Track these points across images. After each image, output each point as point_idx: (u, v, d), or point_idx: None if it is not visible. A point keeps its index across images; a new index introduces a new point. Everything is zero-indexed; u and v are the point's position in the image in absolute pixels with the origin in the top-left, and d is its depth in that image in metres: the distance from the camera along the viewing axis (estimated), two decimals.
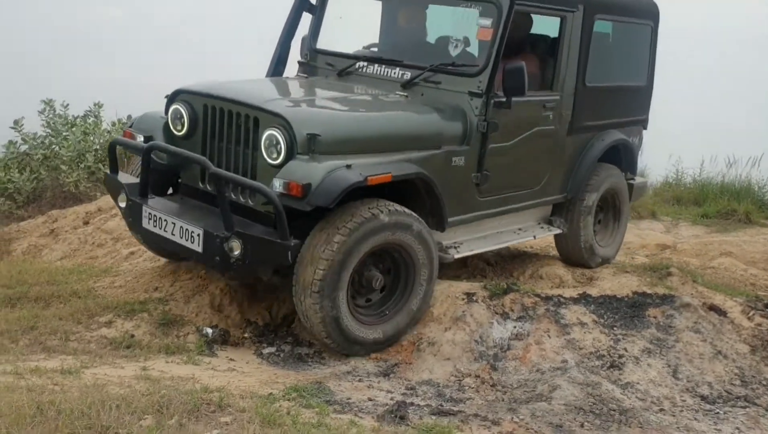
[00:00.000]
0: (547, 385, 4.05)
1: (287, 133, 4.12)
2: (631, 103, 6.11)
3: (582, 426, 3.71)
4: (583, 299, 4.77)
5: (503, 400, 4.01)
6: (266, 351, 4.57)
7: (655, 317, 4.62)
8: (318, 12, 5.61)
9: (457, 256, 4.95)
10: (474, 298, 4.69)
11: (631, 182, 6.31)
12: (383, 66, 5.12)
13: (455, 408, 3.84)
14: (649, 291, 4.84)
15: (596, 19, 5.44)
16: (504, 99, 4.76)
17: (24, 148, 8.97)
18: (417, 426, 3.44)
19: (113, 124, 9.39)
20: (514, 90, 4.71)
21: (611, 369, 4.27)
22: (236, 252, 4.09)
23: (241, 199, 4.37)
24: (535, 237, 5.61)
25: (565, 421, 3.72)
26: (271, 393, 3.67)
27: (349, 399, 3.84)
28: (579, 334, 4.48)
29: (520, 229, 5.53)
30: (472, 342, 4.47)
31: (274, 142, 4.16)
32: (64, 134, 8.99)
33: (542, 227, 5.71)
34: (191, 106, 4.62)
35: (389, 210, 4.27)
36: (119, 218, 6.42)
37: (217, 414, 3.28)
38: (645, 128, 6.40)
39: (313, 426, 3.23)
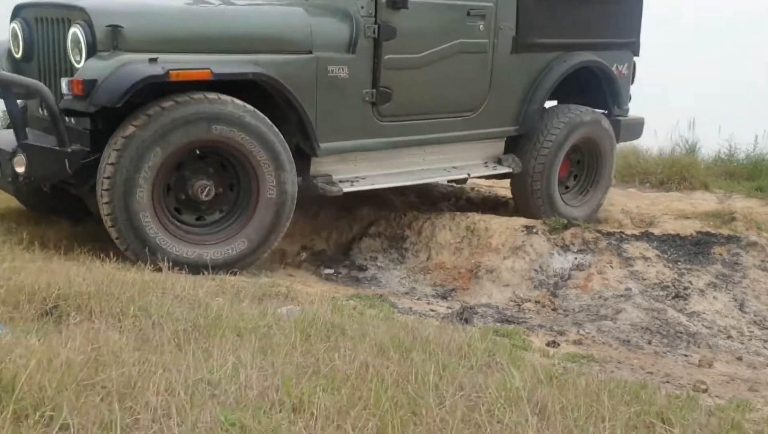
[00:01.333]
0: (611, 309, 3.98)
1: (88, 27, 3.53)
2: (610, 21, 5.27)
3: (650, 343, 3.63)
4: (646, 236, 4.68)
5: (566, 319, 3.95)
6: (324, 271, 4.56)
7: (720, 255, 4.52)
8: None
9: (348, 190, 4.23)
10: (534, 231, 4.63)
11: (618, 118, 5.43)
12: None
13: (519, 320, 3.79)
14: (713, 231, 4.74)
15: None
16: None
17: None
18: (483, 329, 3.40)
19: None
20: None
21: (676, 299, 4.18)
22: (20, 168, 3.49)
23: (41, 111, 3.83)
24: (469, 175, 4.86)
25: (632, 337, 3.65)
26: (334, 297, 3.66)
27: (411, 308, 3.81)
28: (642, 267, 4.39)
29: (454, 167, 4.74)
30: (532, 270, 4.41)
31: (76, 39, 3.58)
32: None
33: (486, 165, 4.90)
34: (27, 23, 4.02)
35: (203, 98, 3.55)
36: None
37: (285, 302, 3.28)
38: (636, 54, 5.50)
39: (380, 320, 3.21)
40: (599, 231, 4.68)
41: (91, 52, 3.52)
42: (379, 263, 4.67)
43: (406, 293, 4.29)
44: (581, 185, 5.45)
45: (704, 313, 4.10)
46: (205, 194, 3.72)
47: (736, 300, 4.26)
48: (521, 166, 4.95)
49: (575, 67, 4.99)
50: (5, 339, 1.87)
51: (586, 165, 5.41)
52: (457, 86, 4.53)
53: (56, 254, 3.62)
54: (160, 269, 3.35)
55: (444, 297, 4.29)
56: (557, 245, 4.55)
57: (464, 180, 5.31)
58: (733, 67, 10.27)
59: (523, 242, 4.53)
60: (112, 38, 3.50)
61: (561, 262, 4.46)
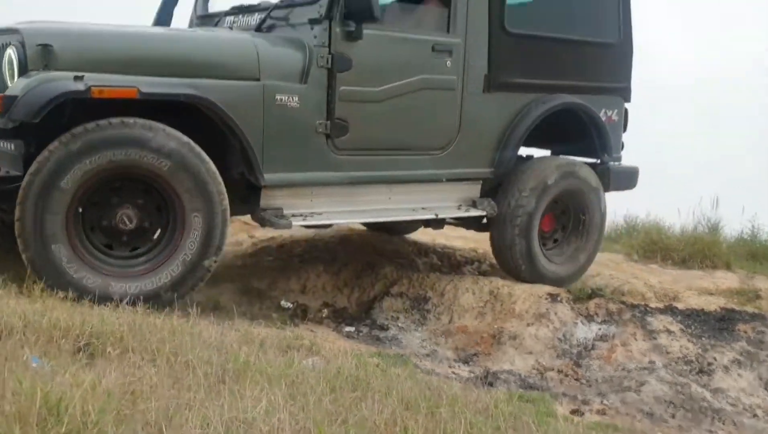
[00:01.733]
0: (635, 381, 3.93)
1: (21, 48, 3.46)
2: (596, 64, 5.09)
3: (673, 416, 3.59)
4: (670, 310, 4.66)
5: (590, 389, 3.91)
6: (345, 329, 4.56)
7: (745, 332, 4.48)
8: None
9: (299, 224, 4.09)
10: (558, 299, 4.62)
11: (606, 166, 5.19)
12: (244, 14, 4.49)
13: (542, 387, 3.76)
14: (737, 308, 4.71)
15: None
16: (353, 27, 3.94)
17: None
18: (508, 392, 3.37)
19: None
20: (359, 13, 3.89)
21: (700, 374, 4.13)
22: None
23: None
24: (437, 215, 4.58)
25: (656, 410, 3.60)
26: (357, 353, 3.66)
27: (433, 370, 3.80)
28: (666, 340, 4.36)
29: (423, 207, 4.52)
30: (555, 339, 4.39)
31: (10, 60, 3.53)
32: None
33: (459, 208, 4.67)
34: None
35: (117, 123, 3.41)
36: None
37: (310, 354, 3.29)
38: (627, 100, 5.29)
39: (405, 377, 3.20)
40: (623, 303, 4.67)
41: (23, 71, 3.44)
42: (400, 324, 4.66)
43: (427, 355, 4.27)
44: (567, 240, 5.21)
45: (729, 390, 4.04)
46: (128, 222, 3.58)
47: (761, 379, 4.20)
48: (497, 210, 4.75)
49: (554, 110, 4.79)
50: (44, 370, 1.90)
51: (571, 218, 5.18)
52: (421, 123, 4.40)
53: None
54: (187, 315, 3.38)
55: (466, 362, 4.26)
56: (581, 315, 4.53)
57: (441, 224, 5.02)
58: (757, 146, 10.34)
59: (546, 309, 4.52)
60: (42, 58, 3.42)
61: (585, 332, 4.44)
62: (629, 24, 5.22)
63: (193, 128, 3.69)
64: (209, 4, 4.93)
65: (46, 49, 3.42)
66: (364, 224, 5.29)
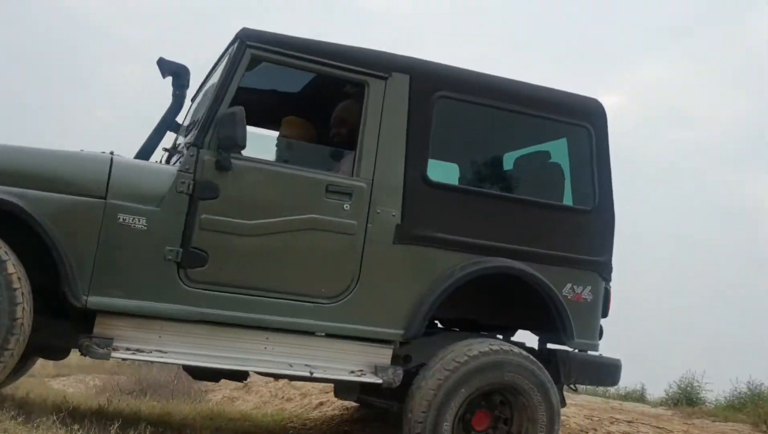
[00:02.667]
0: None
1: None
2: (557, 229, 4.44)
3: None
4: None
5: None
6: None
7: None
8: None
9: (118, 356, 3.68)
10: None
11: (566, 353, 4.44)
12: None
13: None
14: None
15: (439, 98, 4.27)
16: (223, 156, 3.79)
17: None
18: None
19: None
20: (227, 141, 3.75)
21: None
22: None
23: None
24: (311, 374, 3.95)
25: None
26: None
27: None
28: None
29: (306, 364, 3.95)
30: None
31: None
32: None
33: (352, 372, 4.02)
34: None
35: None
36: None
37: None
38: (605, 278, 4.54)
39: None
40: None
41: None
42: None
43: None
44: None
45: None
46: None
47: None
48: (397, 381, 4.05)
49: (483, 273, 4.19)
50: None
51: (514, 418, 4.28)
52: (306, 267, 3.99)
53: None
54: None
55: None
56: None
57: (352, 395, 4.41)
58: None
59: None
60: None
61: None
62: (608, 191, 4.57)
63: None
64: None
65: None
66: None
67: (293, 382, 6.99)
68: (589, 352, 4.50)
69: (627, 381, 11.72)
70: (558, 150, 4.75)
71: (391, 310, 4.08)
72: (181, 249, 3.76)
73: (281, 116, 4.65)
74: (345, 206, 4.03)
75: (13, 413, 3.60)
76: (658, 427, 6.14)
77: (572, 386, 4.71)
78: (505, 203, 4.47)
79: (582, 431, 5.78)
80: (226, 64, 3.98)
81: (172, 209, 3.76)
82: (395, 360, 4.14)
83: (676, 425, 6.50)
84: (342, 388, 4.31)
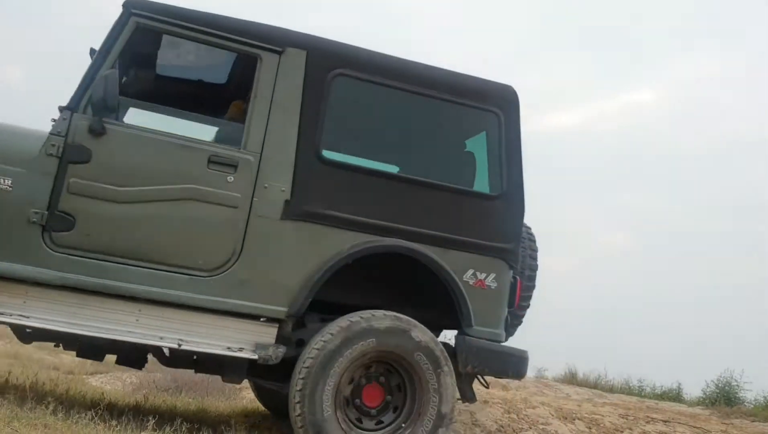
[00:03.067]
0: None
1: None
2: (459, 213, 4.32)
3: None
4: None
5: None
6: None
7: None
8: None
9: None
10: None
11: (462, 339, 4.20)
12: None
13: None
14: None
15: (337, 75, 4.21)
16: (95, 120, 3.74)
17: None
18: None
19: None
20: (99, 104, 3.70)
21: None
22: None
23: None
24: (180, 345, 3.84)
25: None
26: None
27: None
28: None
29: (180, 339, 3.85)
30: None
31: None
32: None
33: (230, 348, 3.92)
34: None
35: None
36: None
37: None
38: (512, 267, 4.39)
39: None
40: None
41: None
42: None
43: None
44: (398, 421, 4.13)
45: None
46: None
47: None
48: (275, 358, 3.94)
49: (372, 252, 4.08)
50: None
51: (408, 393, 4.15)
52: (182, 238, 3.90)
53: None
54: None
55: None
56: None
57: (239, 378, 4.28)
58: None
59: None
60: None
61: None
62: (518, 178, 4.44)
63: None
64: None
65: None
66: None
67: None
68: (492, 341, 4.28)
69: (663, 379, 11.57)
70: (478, 138, 4.64)
71: (275, 287, 3.98)
72: (47, 212, 3.71)
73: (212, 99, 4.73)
74: (229, 178, 3.97)
75: (52, 409, 3.67)
76: (695, 427, 6.07)
77: (483, 381, 4.52)
78: (403, 184, 4.32)
79: (617, 430, 5.72)
80: (109, 31, 3.93)
81: (40, 171, 3.72)
82: (287, 343, 4.04)
83: (714, 425, 6.41)
84: (228, 371, 4.19)
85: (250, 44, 4.13)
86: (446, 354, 4.12)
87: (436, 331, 4.38)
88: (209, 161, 3.96)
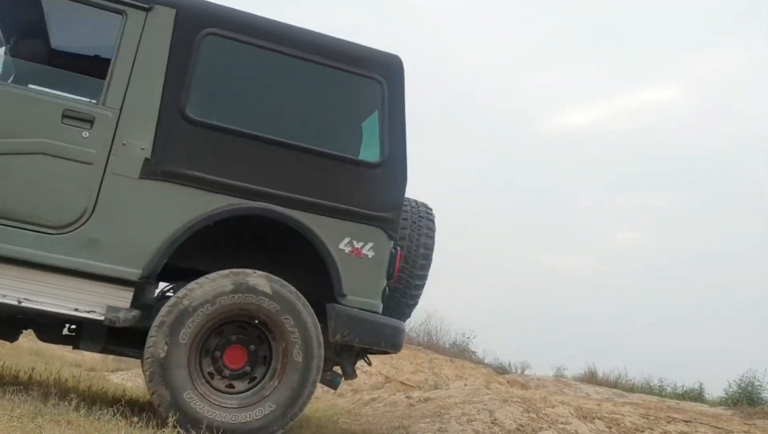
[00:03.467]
0: None
1: None
2: (334, 179, 4.20)
3: None
4: None
5: None
6: None
7: None
8: None
9: None
10: None
11: (335, 305, 4.06)
12: None
13: None
14: None
15: (207, 35, 4.13)
16: None
17: None
18: None
19: None
20: None
21: None
22: None
23: None
24: (20, 303, 3.70)
25: None
26: None
27: None
28: None
29: (24, 297, 3.71)
30: None
31: None
32: None
33: (77, 310, 3.78)
34: None
35: None
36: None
37: None
38: (392, 237, 4.25)
39: None
40: None
41: None
42: None
43: None
44: (258, 381, 3.99)
45: None
46: None
47: None
48: (123, 321, 3.78)
49: (235, 214, 3.96)
50: None
51: (272, 356, 4.01)
52: (29, 192, 3.77)
53: None
54: None
55: None
56: None
57: (96, 345, 4.18)
58: None
59: None
60: None
61: None
62: (401, 147, 4.32)
63: None
64: None
65: None
66: None
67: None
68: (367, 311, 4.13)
69: (685, 379, 11.47)
70: (351, 96, 4.61)
71: (130, 247, 3.84)
72: None
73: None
74: (84, 133, 3.87)
75: (75, 405, 3.72)
76: (717, 427, 6.01)
77: (365, 359, 4.44)
78: (275, 148, 4.16)
79: (637, 430, 5.69)
80: None
81: None
82: (146, 309, 3.91)
83: (736, 425, 6.35)
84: (85, 339, 4.10)
85: (116, 0, 4.06)
86: (308, 307, 3.97)
87: (317, 307, 4.14)
88: (63, 115, 3.86)
